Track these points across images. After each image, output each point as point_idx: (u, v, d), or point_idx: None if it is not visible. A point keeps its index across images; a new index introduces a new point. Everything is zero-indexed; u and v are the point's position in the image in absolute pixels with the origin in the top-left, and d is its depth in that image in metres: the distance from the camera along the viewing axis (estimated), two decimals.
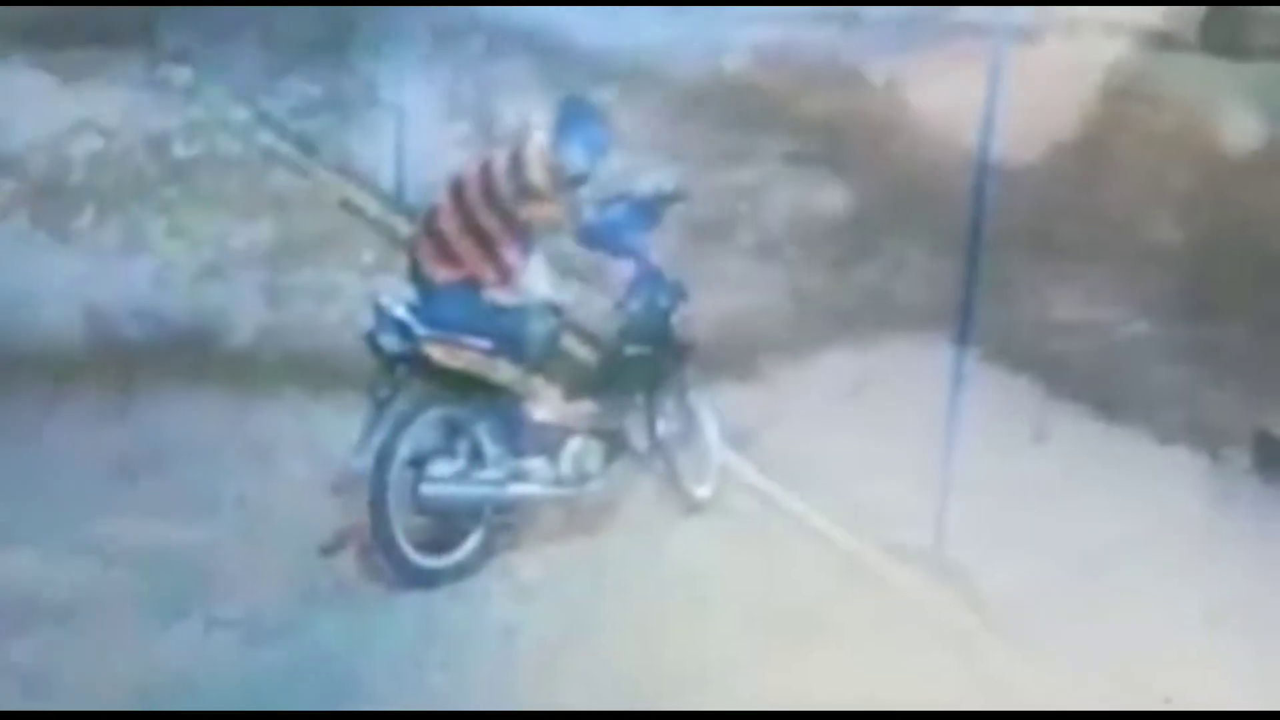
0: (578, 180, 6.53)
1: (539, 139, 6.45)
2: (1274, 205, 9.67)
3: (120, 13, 11.25)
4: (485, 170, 6.47)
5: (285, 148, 10.12)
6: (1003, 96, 6.56)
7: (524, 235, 6.46)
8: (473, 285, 6.42)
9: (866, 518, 6.83)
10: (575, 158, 6.46)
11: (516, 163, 6.40)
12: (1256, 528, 7.13)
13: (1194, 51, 12.88)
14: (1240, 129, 10.91)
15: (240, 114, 10.42)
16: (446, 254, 6.43)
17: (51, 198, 9.02)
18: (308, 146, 10.10)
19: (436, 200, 6.59)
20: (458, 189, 6.49)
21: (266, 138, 10.21)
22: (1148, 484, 7.38)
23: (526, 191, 6.38)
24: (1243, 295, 8.84)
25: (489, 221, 6.40)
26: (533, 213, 6.40)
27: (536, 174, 6.38)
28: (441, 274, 6.43)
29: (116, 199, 9.09)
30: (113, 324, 7.73)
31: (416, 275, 6.54)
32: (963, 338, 6.78)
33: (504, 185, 6.39)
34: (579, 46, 11.16)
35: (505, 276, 6.44)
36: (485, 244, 6.41)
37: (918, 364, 7.80)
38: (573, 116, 6.53)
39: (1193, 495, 7.36)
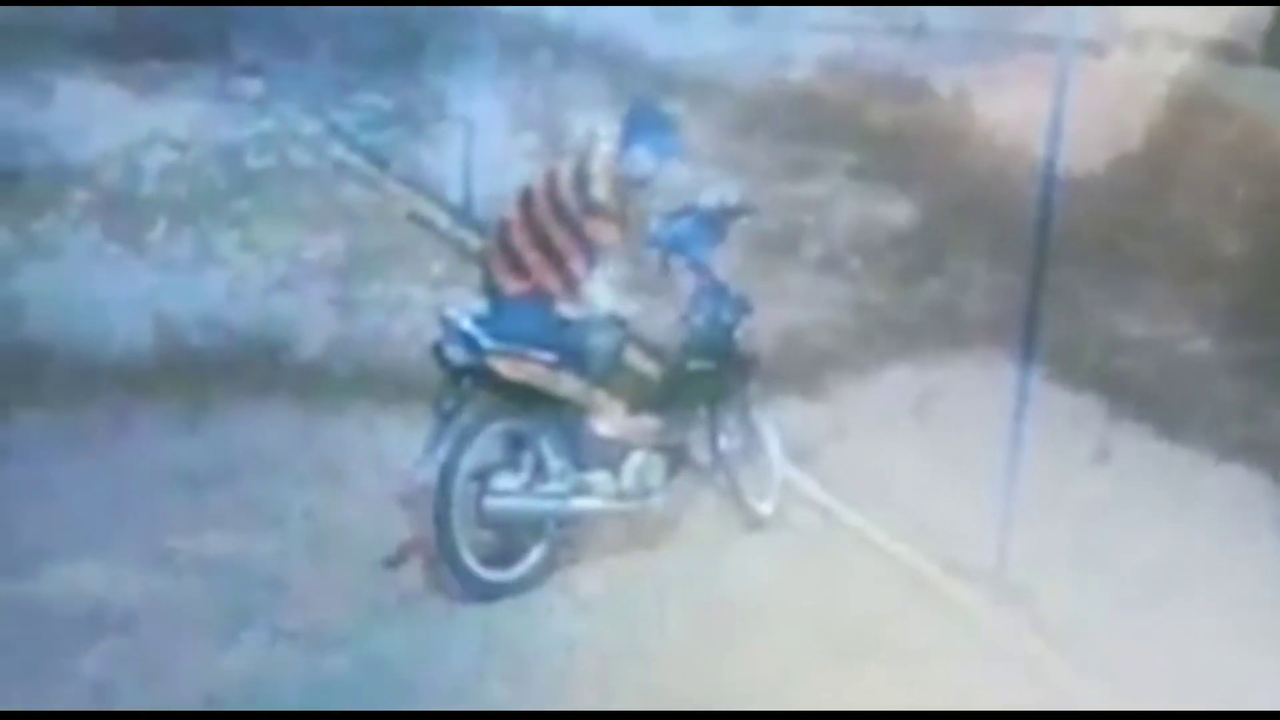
0: (644, 181, 6.52)
1: (604, 150, 6.45)
2: None
3: (193, 25, 11.34)
4: (551, 182, 6.49)
5: (355, 160, 10.16)
6: (1069, 108, 6.51)
7: (589, 248, 6.46)
8: (541, 297, 6.43)
9: (928, 535, 6.79)
10: (642, 160, 6.46)
11: (581, 177, 6.41)
12: None
13: (1258, 64, 12.72)
14: None
15: (311, 126, 10.47)
16: (517, 266, 6.45)
17: (124, 209, 9.07)
18: (378, 159, 10.15)
19: (507, 213, 6.61)
20: (527, 201, 6.51)
21: (337, 150, 10.26)
22: (1209, 502, 7.30)
23: (591, 208, 6.38)
24: None
25: (556, 233, 6.42)
26: (596, 230, 6.40)
27: (601, 189, 6.38)
28: (512, 286, 6.45)
29: (188, 211, 9.15)
30: (184, 336, 7.77)
31: (489, 287, 6.56)
32: (1026, 355, 6.71)
33: (570, 199, 6.40)
34: (645, 58, 11.16)
35: (572, 288, 6.45)
36: (553, 256, 6.43)
37: (981, 381, 7.76)
38: (641, 120, 6.53)
39: (1254, 514, 7.26)
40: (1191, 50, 12.70)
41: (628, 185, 6.48)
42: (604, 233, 6.41)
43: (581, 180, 6.40)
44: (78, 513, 6.47)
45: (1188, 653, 6.19)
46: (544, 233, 6.43)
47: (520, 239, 6.46)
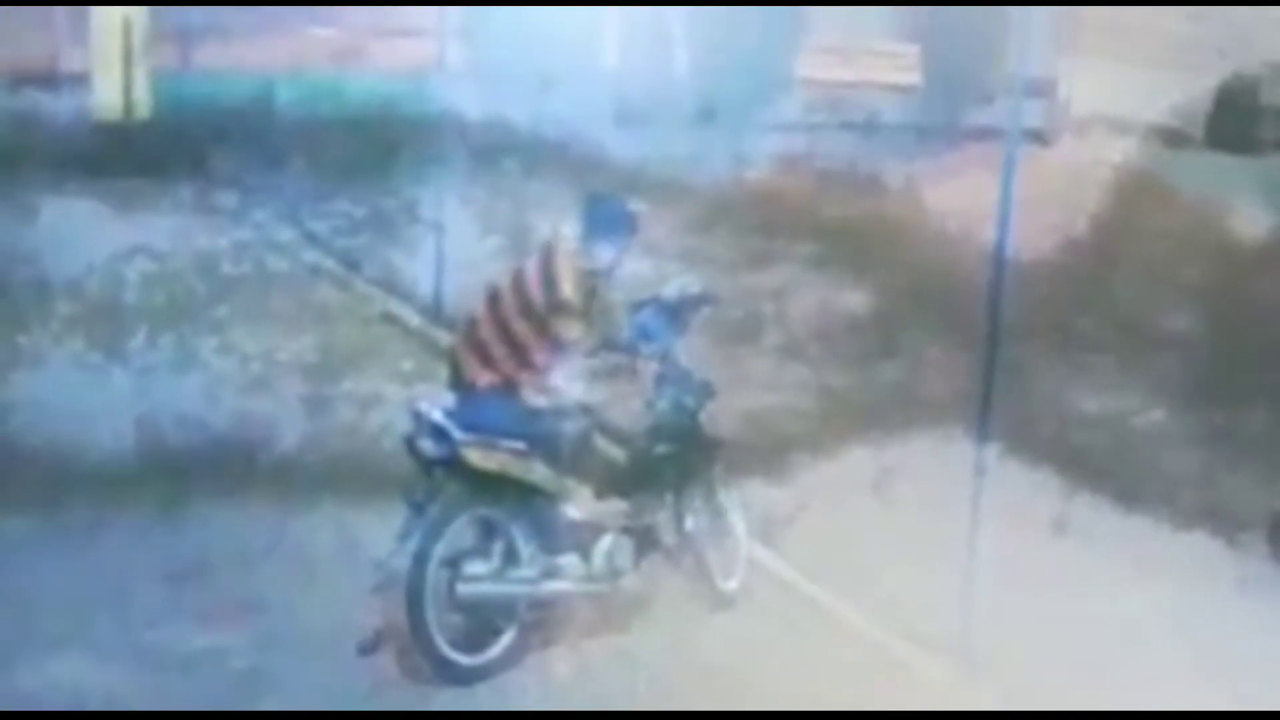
0: (606, 272, 6.57)
1: (566, 247, 6.51)
2: None
3: (172, 143, 11.48)
4: (518, 280, 6.53)
5: (329, 264, 10.25)
6: (1016, 196, 6.59)
7: (555, 342, 6.50)
8: (509, 389, 6.46)
9: (893, 609, 6.78)
10: (602, 252, 6.52)
11: (547, 275, 6.45)
12: (1275, 609, 7.02)
13: (1201, 148, 12.93)
14: (1248, 221, 10.91)
15: (286, 234, 10.57)
16: (485, 359, 6.47)
17: (106, 319, 9.12)
18: (350, 262, 10.24)
19: (474, 310, 6.65)
20: (494, 299, 6.55)
21: (311, 255, 10.35)
22: (1168, 569, 7.30)
23: (557, 306, 6.42)
24: (1256, 382, 8.79)
25: (522, 328, 6.45)
26: (562, 328, 6.43)
27: (566, 286, 6.43)
28: (481, 378, 6.47)
29: (168, 318, 9.20)
30: (163, 436, 7.79)
31: (457, 381, 6.58)
32: (983, 431, 6.75)
33: (537, 296, 6.44)
34: (608, 160, 11.29)
35: (537, 379, 6.47)
36: (518, 350, 6.46)
37: (940, 457, 7.79)
38: (597, 214, 6.61)
39: (1212, 580, 7.26)
40: (1135, 136, 12.93)
41: (591, 277, 6.53)
42: (570, 329, 6.46)
43: (548, 279, 6.45)
44: (59, 607, 6.46)
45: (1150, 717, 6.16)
46: (510, 328, 6.46)
47: (488, 334, 6.50)
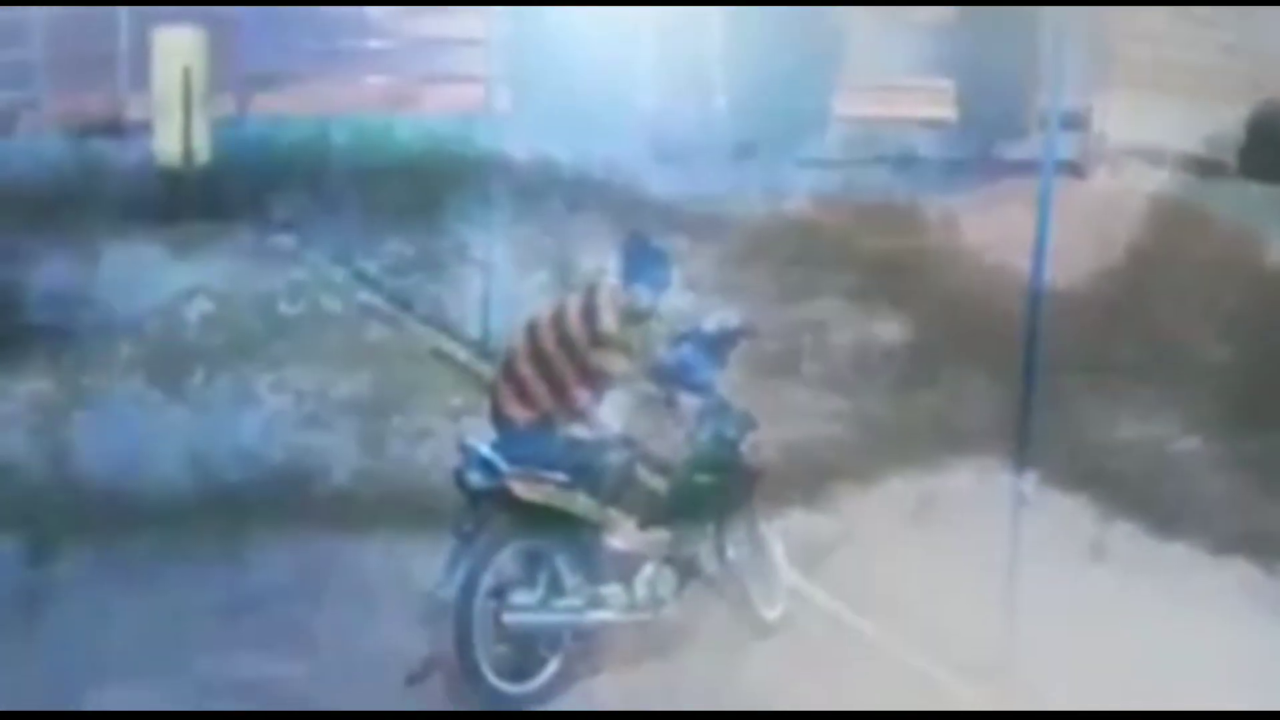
0: (646, 314, 6.57)
1: (609, 284, 6.52)
2: None
3: (232, 188, 11.61)
4: (558, 316, 6.54)
5: (380, 303, 10.32)
6: (1052, 227, 6.54)
7: (594, 377, 6.49)
8: (549, 423, 6.46)
9: (933, 637, 6.73)
10: (641, 293, 6.53)
11: (589, 310, 6.46)
12: None
13: (1236, 178, 12.81)
14: None
15: (340, 274, 10.65)
16: (524, 395, 6.48)
17: (166, 358, 9.21)
18: (401, 301, 10.30)
19: (512, 344, 6.66)
20: (532, 334, 6.56)
21: (364, 295, 10.42)
22: (1207, 596, 7.20)
23: (598, 340, 6.43)
24: None
25: (561, 364, 6.46)
26: (603, 361, 6.44)
27: (608, 320, 6.43)
28: (520, 415, 6.48)
29: (226, 357, 9.28)
30: (220, 472, 7.84)
31: (497, 417, 6.59)
32: (1021, 460, 6.70)
33: (577, 330, 6.45)
34: (649, 197, 11.33)
35: (575, 415, 6.47)
36: (557, 386, 6.47)
37: (978, 486, 7.76)
38: (637, 256, 6.61)
39: (1251, 607, 7.16)
40: (1169, 167, 12.83)
41: (632, 317, 6.53)
42: (612, 363, 6.46)
43: (590, 313, 6.46)
44: (122, 640, 6.51)
45: None
46: (550, 364, 6.47)
47: (526, 370, 6.51)
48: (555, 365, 6.45)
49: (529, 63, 12.28)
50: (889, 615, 6.88)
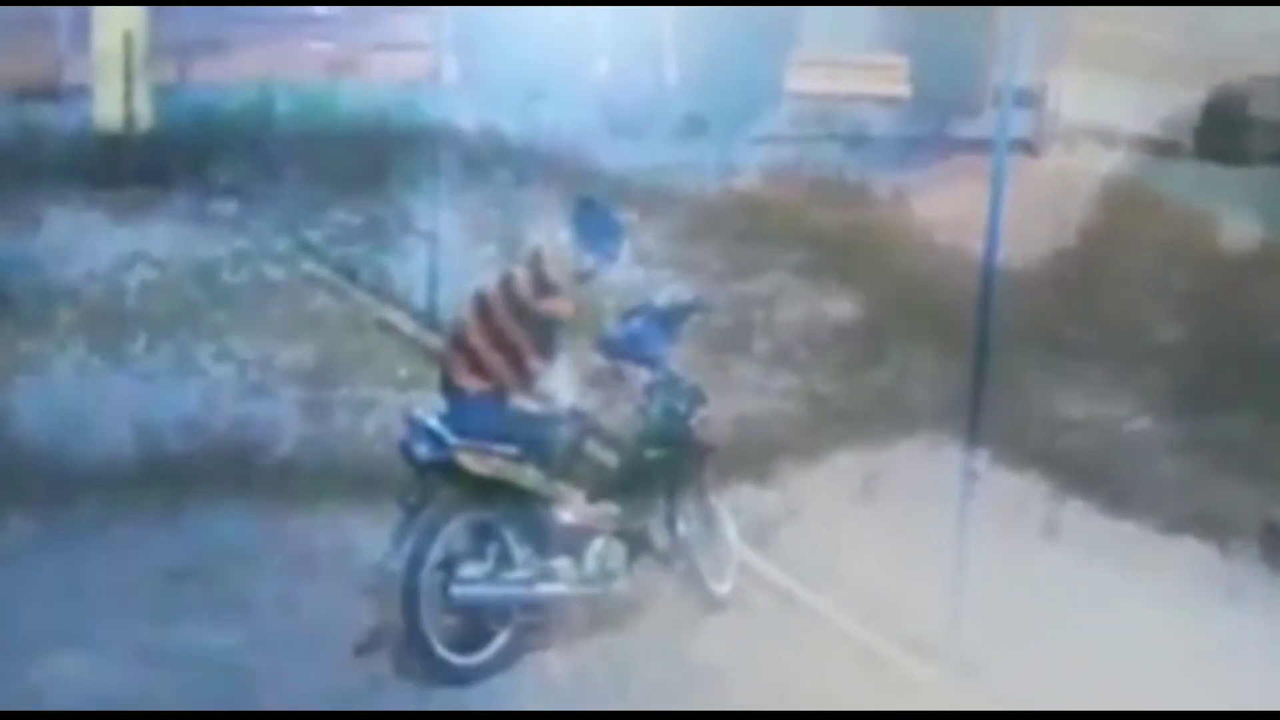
0: (589, 274, 6.60)
1: (555, 248, 6.54)
2: (1271, 303, 9.67)
3: (172, 153, 11.53)
4: (507, 282, 6.56)
5: (325, 273, 10.28)
6: (1004, 206, 6.61)
7: (547, 343, 6.52)
8: (501, 394, 6.48)
9: (882, 613, 6.80)
10: (588, 260, 6.55)
11: (537, 271, 6.48)
12: (1265, 617, 7.04)
13: (1190, 159, 12.97)
14: (1236, 232, 10.95)
15: (283, 243, 10.61)
16: (477, 366, 6.49)
17: (107, 325, 9.16)
18: (346, 271, 10.27)
19: (462, 315, 6.68)
20: (482, 305, 6.57)
21: (308, 264, 10.38)
22: (1156, 576, 7.30)
23: (544, 287, 6.45)
24: (1244, 390, 8.81)
25: (515, 332, 6.47)
26: (548, 306, 6.46)
27: (552, 269, 6.46)
28: (473, 385, 6.49)
29: (168, 325, 9.24)
30: (162, 441, 7.81)
31: (449, 388, 6.60)
32: (972, 437, 6.77)
33: (527, 293, 6.47)
34: (600, 171, 11.33)
35: (530, 384, 6.50)
36: (512, 355, 6.48)
37: (929, 463, 7.83)
38: (589, 221, 6.63)
39: (1202, 585, 7.27)
40: (1124, 147, 12.96)
41: (578, 276, 6.55)
42: (559, 306, 6.46)
43: (537, 270, 6.48)
44: (63, 608, 6.49)
45: None
46: (502, 333, 6.48)
47: (478, 341, 6.52)
48: (507, 334, 6.46)
49: (478, 32, 12.25)
50: (839, 591, 6.94)
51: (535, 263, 6.53)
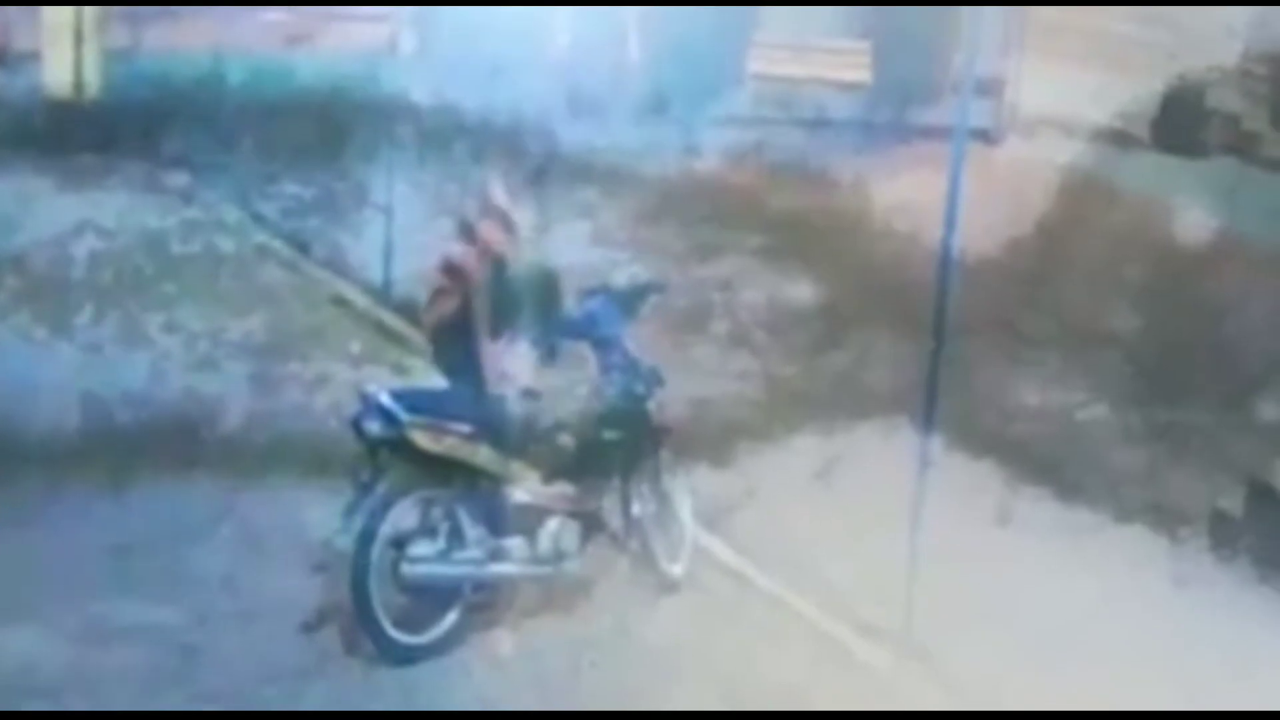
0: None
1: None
2: (1225, 294, 9.76)
3: (121, 121, 11.37)
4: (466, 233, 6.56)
5: (277, 245, 10.19)
6: (962, 194, 6.63)
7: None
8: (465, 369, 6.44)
9: (836, 596, 6.82)
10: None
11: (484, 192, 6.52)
12: (1214, 605, 7.11)
13: (1147, 150, 13.05)
14: (1191, 222, 11.03)
15: (235, 215, 10.50)
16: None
17: (53, 295, 9.05)
18: (300, 244, 10.18)
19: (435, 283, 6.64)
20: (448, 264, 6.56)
21: (260, 236, 10.28)
22: (1108, 563, 7.37)
23: (487, 210, 6.43)
24: (1197, 380, 8.89)
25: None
26: (488, 233, 6.45)
27: (499, 194, 6.52)
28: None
29: (115, 295, 9.13)
30: (109, 413, 7.72)
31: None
32: (927, 423, 6.80)
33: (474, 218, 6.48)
34: (560, 149, 11.27)
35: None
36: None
37: (884, 448, 7.86)
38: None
39: (1152, 573, 7.34)
40: (1081, 137, 13.02)
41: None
42: (495, 235, 6.44)
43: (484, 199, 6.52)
44: (4, 583, 6.39)
45: (1092, 708, 6.20)
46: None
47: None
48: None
49: (437, 5, 12.16)
50: (792, 573, 6.95)
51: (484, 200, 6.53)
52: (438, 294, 6.61)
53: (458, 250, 6.53)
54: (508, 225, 6.53)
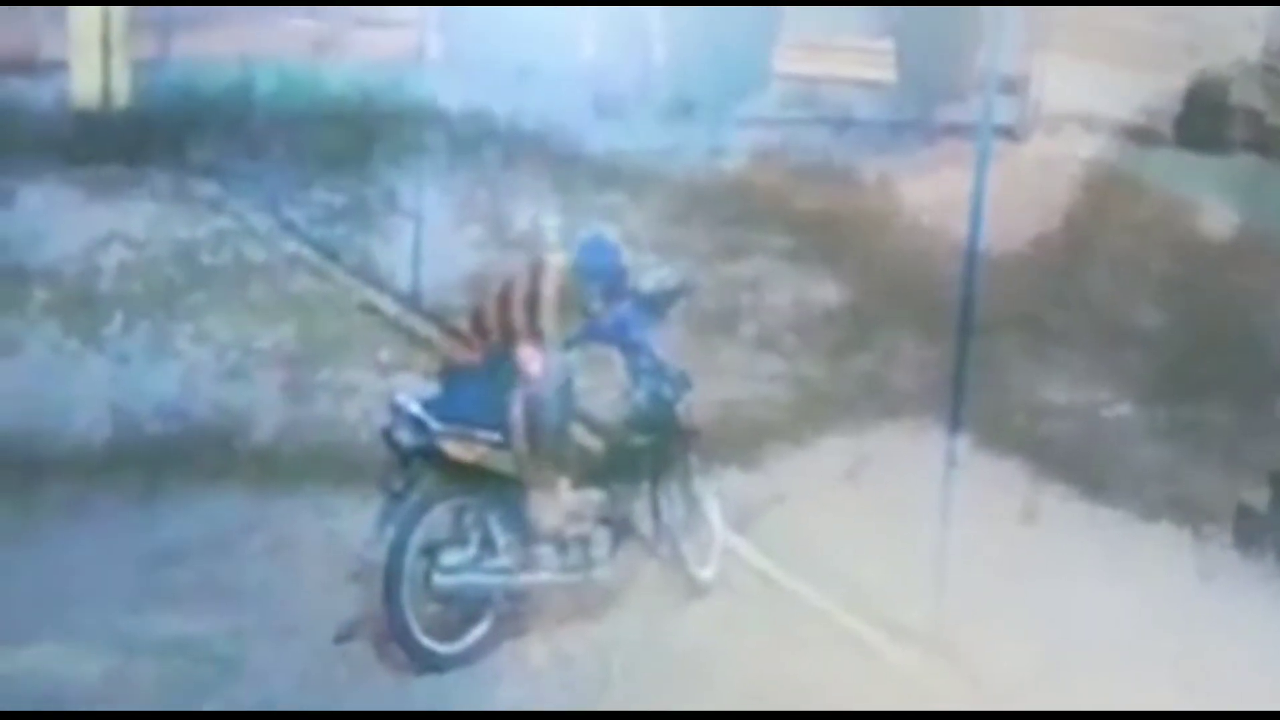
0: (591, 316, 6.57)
1: (555, 269, 6.48)
2: (1248, 290, 9.70)
3: (149, 130, 11.40)
4: (506, 293, 6.50)
5: (307, 253, 10.20)
6: (988, 191, 6.60)
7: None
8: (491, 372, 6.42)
9: (865, 597, 6.79)
10: (590, 288, 6.52)
11: (532, 299, 6.42)
12: (1238, 601, 7.07)
13: (1171, 147, 12.97)
14: (1215, 218, 10.97)
15: (264, 223, 10.51)
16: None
17: (83, 306, 9.07)
18: (328, 252, 10.18)
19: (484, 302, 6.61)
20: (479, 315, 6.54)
21: (290, 245, 10.29)
22: (1134, 560, 7.33)
23: (532, 333, 6.38)
24: (1221, 376, 8.83)
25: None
26: (526, 356, 6.36)
27: (549, 320, 6.39)
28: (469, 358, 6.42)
29: (145, 306, 9.14)
30: (139, 424, 7.74)
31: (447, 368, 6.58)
32: (954, 422, 6.77)
33: (519, 317, 6.42)
34: (587, 153, 11.27)
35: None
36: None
37: (912, 448, 7.81)
38: (589, 252, 6.58)
39: (1178, 569, 7.30)
40: (1105, 134, 12.95)
41: (571, 301, 6.50)
42: (532, 362, 6.37)
43: (532, 302, 6.41)
44: (38, 595, 6.42)
45: (1119, 706, 6.17)
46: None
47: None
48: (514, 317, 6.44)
49: (464, 10, 12.16)
50: (822, 576, 6.93)
51: (533, 290, 6.44)
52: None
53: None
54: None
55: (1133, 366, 9.17)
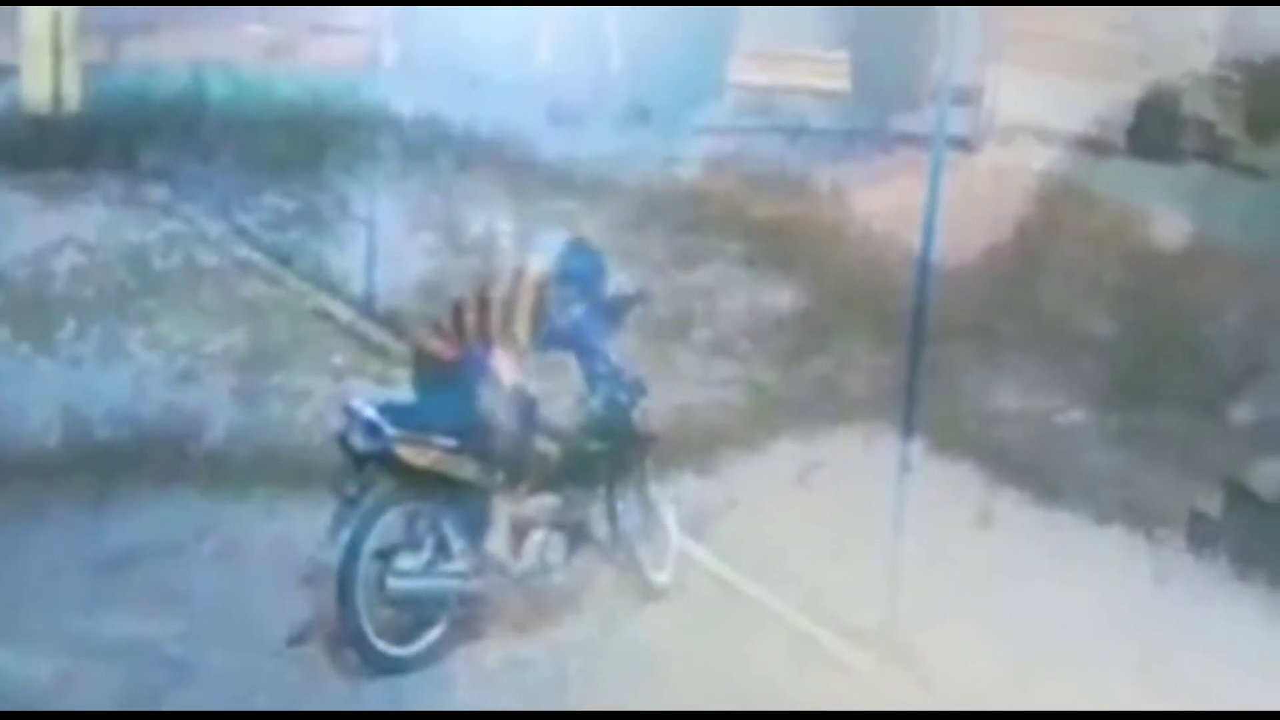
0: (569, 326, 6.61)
1: (532, 276, 6.49)
2: (1200, 298, 9.81)
3: (100, 135, 11.33)
4: (481, 299, 6.52)
5: (259, 258, 10.16)
6: (941, 200, 6.66)
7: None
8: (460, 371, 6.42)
9: (819, 600, 6.83)
10: (570, 305, 6.55)
11: (508, 309, 6.45)
12: (1192, 603, 7.15)
13: (1123, 157, 13.11)
14: (1167, 227, 11.09)
15: (216, 228, 10.47)
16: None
17: (34, 310, 9.01)
18: (281, 257, 10.14)
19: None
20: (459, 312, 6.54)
21: (242, 250, 10.25)
22: (1088, 564, 7.39)
23: (507, 342, 6.42)
24: (1173, 383, 8.93)
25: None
26: (500, 361, 6.41)
27: (521, 330, 6.45)
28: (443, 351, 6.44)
29: (96, 310, 9.09)
30: (90, 428, 7.69)
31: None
32: (908, 427, 6.82)
33: (493, 324, 6.45)
34: (542, 159, 11.29)
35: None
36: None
37: (865, 453, 7.87)
38: (573, 260, 6.60)
39: (1131, 574, 7.37)
40: (1058, 144, 13.08)
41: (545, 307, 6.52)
42: (508, 369, 6.40)
43: (509, 306, 6.43)
44: None
45: (1074, 708, 6.23)
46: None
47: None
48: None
49: (418, 15, 12.16)
50: (777, 579, 6.96)
51: (510, 300, 6.47)
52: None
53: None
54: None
55: (1086, 373, 9.25)
